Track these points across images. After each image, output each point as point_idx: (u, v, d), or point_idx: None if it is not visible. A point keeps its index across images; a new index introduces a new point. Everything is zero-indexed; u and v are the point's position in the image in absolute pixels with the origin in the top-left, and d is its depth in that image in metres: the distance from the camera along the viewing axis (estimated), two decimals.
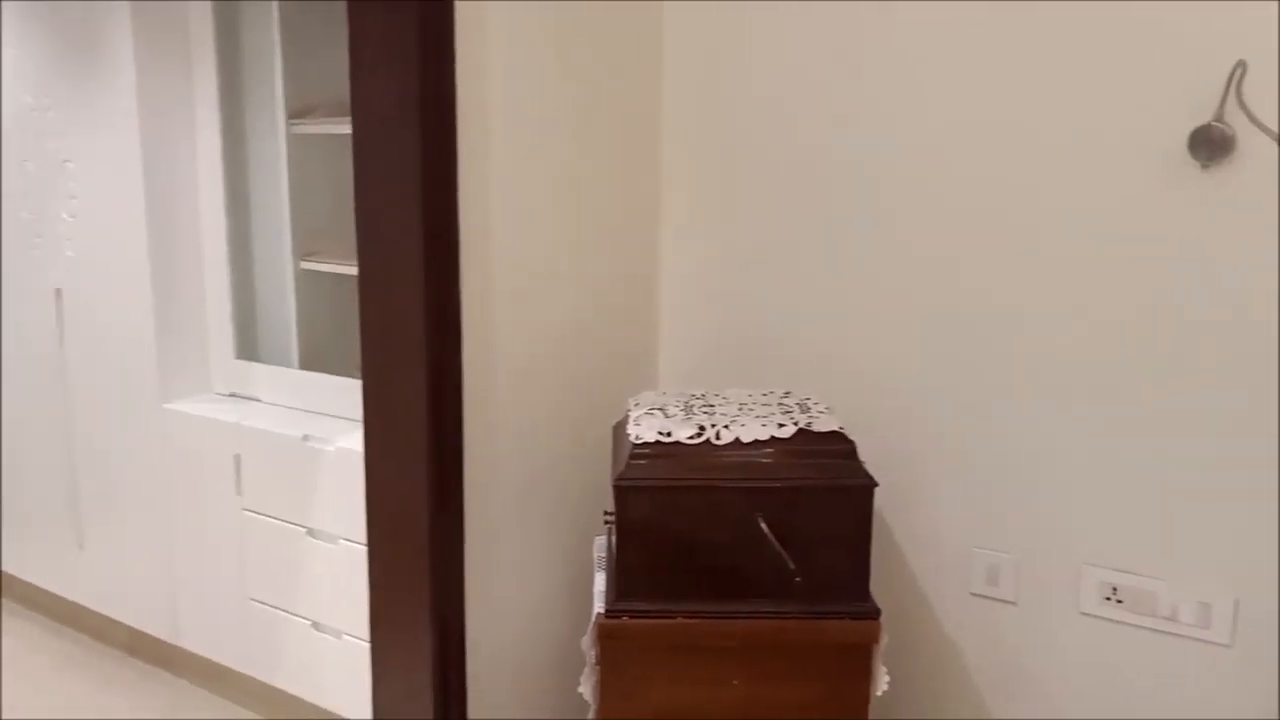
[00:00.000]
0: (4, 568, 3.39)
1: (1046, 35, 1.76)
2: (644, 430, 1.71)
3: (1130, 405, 1.76)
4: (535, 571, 2.15)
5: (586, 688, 1.76)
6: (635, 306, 2.28)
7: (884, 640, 1.63)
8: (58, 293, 3.01)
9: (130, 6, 2.67)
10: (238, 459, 2.69)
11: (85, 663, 3.12)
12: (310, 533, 2.57)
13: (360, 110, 1.92)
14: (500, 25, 1.90)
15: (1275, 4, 1.57)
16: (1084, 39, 1.73)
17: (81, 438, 3.05)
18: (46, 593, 3.27)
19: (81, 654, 3.16)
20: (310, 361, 2.80)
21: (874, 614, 1.61)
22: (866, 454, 1.67)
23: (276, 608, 2.67)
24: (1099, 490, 1.81)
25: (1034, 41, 1.77)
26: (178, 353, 2.85)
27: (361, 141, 1.94)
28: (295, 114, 2.69)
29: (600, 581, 1.80)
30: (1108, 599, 1.82)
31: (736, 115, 2.13)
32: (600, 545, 1.96)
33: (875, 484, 1.62)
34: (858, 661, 1.62)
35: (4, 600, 3.45)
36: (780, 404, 1.83)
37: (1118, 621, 1.82)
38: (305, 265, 2.76)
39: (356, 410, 2.66)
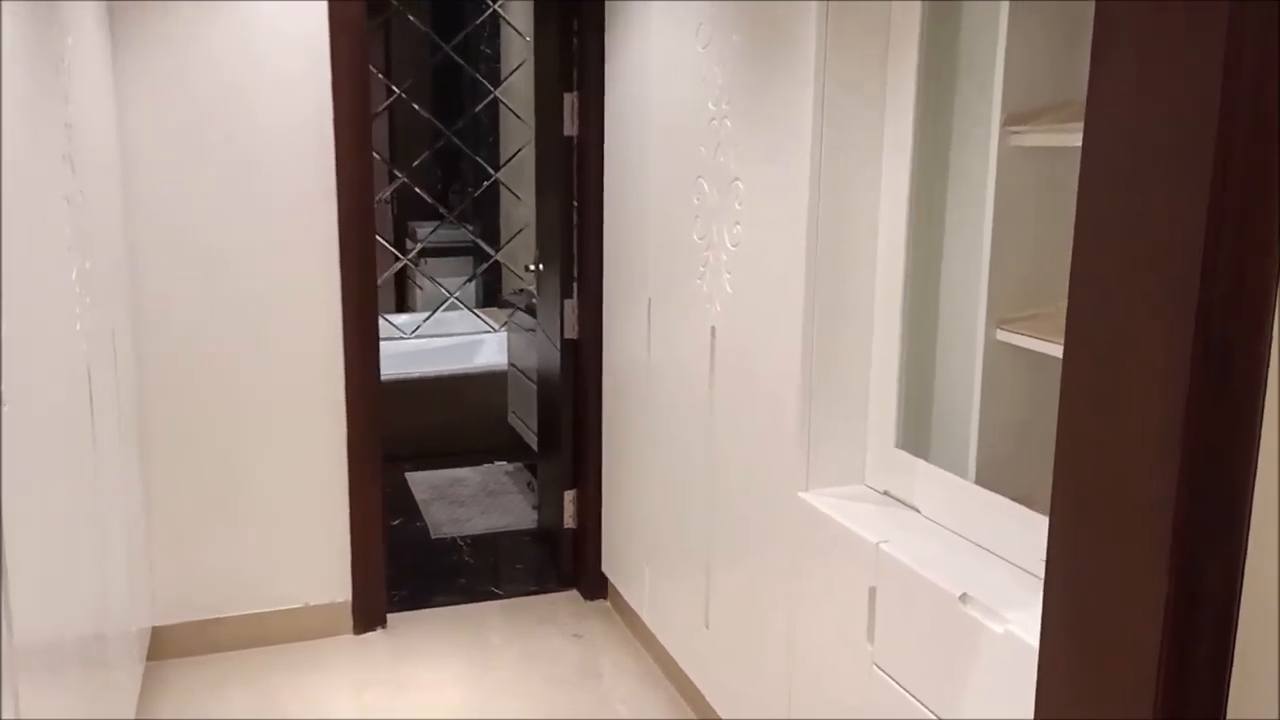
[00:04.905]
0: (649, 623, 3.10)
1: None
2: None
3: None
4: None
5: None
6: None
7: None
8: (712, 330, 2.56)
9: (818, 6, 2.07)
10: (872, 593, 1.97)
11: None
12: None
13: (1099, 112, 1.08)
14: None
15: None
16: None
17: (721, 497, 2.58)
18: (677, 665, 2.90)
19: None
20: (991, 473, 1.96)
21: None
22: None
23: None
24: None
25: None
26: (826, 425, 2.21)
27: (1096, 158, 1.10)
28: (1011, 121, 1.86)
29: None
30: None
31: None
32: None
33: None
34: None
35: (649, 661, 3.16)
36: None
37: None
38: (1002, 336, 1.92)
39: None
